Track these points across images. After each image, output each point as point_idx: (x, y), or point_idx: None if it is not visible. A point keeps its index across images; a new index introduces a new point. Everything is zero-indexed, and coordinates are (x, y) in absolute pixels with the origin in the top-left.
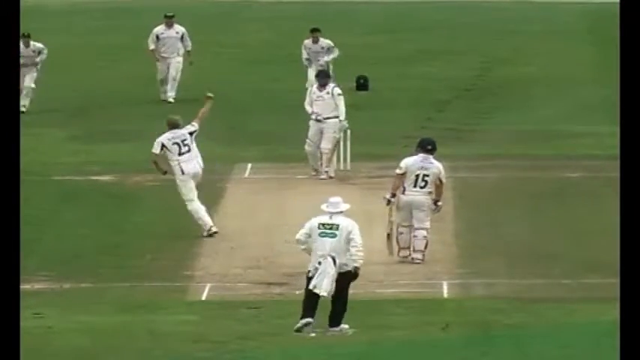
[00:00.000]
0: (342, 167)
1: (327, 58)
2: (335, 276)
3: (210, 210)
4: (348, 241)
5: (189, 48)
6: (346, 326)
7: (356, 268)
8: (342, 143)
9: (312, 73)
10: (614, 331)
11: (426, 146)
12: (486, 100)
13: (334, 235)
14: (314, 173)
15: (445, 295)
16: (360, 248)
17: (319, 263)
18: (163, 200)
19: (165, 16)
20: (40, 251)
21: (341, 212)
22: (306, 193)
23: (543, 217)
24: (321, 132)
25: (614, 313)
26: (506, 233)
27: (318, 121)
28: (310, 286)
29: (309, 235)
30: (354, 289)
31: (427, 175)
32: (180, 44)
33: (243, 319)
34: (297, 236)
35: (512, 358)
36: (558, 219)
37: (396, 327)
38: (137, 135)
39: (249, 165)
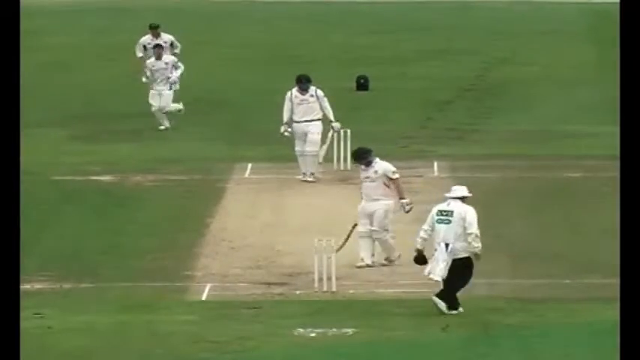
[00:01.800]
0: (342, 167)
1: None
2: (449, 261)
3: (211, 210)
4: (464, 227)
5: (176, 50)
6: (454, 311)
7: (475, 255)
8: (342, 143)
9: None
10: (614, 331)
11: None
12: (486, 100)
13: (449, 222)
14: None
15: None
16: (474, 236)
17: (435, 250)
18: (163, 200)
19: (151, 27)
20: (40, 251)
21: (458, 198)
22: (306, 194)
23: (543, 217)
24: (305, 135)
25: (614, 313)
26: (506, 233)
27: (299, 123)
28: (425, 272)
29: (431, 228)
30: (354, 289)
31: None
32: (169, 52)
33: (243, 319)
34: (421, 234)
35: (512, 358)
36: (558, 219)
37: (396, 327)
38: (137, 135)
39: (250, 165)
